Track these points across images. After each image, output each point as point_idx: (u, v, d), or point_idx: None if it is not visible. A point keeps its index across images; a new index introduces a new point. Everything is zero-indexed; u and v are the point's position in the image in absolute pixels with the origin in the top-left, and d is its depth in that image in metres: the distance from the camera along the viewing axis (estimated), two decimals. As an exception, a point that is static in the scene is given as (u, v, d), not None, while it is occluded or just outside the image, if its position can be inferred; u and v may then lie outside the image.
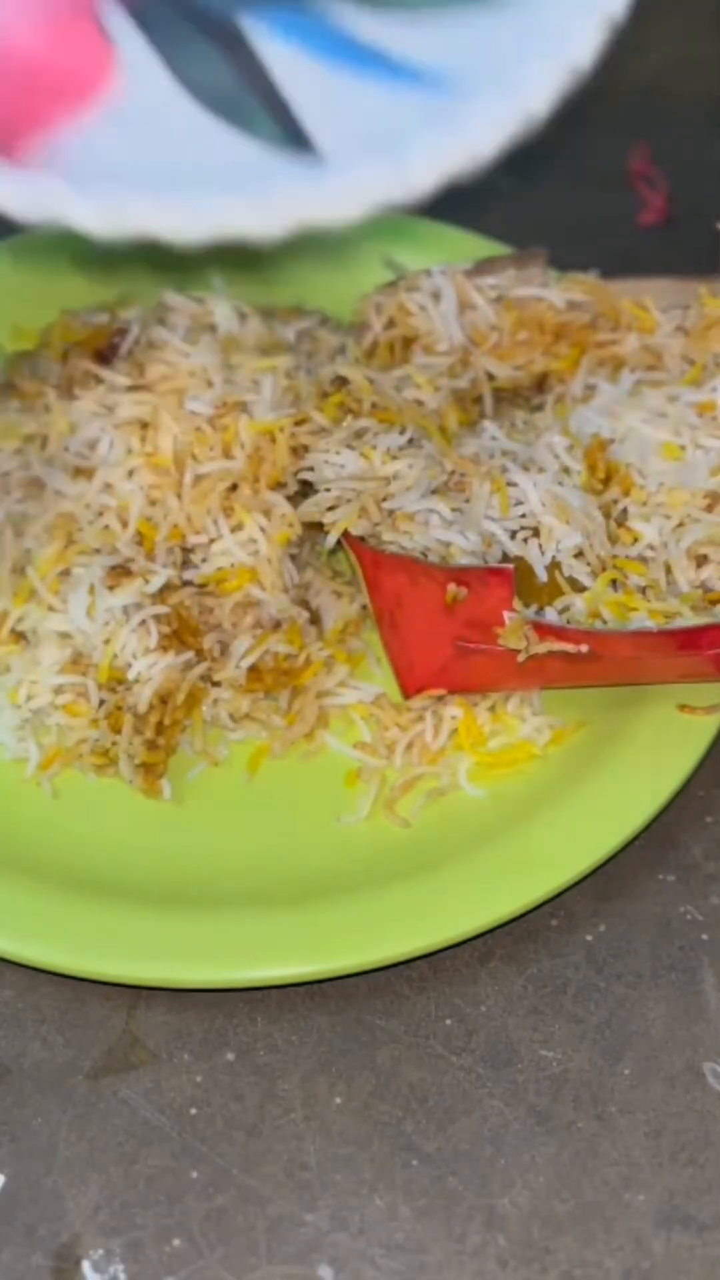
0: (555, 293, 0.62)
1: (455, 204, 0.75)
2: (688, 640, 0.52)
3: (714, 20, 0.88)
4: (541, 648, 0.52)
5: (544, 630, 0.52)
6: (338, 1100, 0.50)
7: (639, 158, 0.79)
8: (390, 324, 0.63)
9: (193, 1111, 0.50)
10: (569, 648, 0.52)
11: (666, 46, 0.86)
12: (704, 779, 0.57)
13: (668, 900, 0.55)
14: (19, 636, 0.57)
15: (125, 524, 0.58)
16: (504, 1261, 0.47)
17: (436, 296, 0.62)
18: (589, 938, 0.54)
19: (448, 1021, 0.52)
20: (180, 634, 0.56)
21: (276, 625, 0.58)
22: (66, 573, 0.57)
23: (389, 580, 0.54)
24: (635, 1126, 0.50)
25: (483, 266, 0.64)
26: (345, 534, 0.55)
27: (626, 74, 0.85)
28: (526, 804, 0.55)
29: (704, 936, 0.54)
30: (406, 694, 0.56)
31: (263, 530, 0.58)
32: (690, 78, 0.85)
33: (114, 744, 0.56)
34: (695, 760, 0.56)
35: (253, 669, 0.57)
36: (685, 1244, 0.48)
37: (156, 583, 0.56)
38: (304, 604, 0.59)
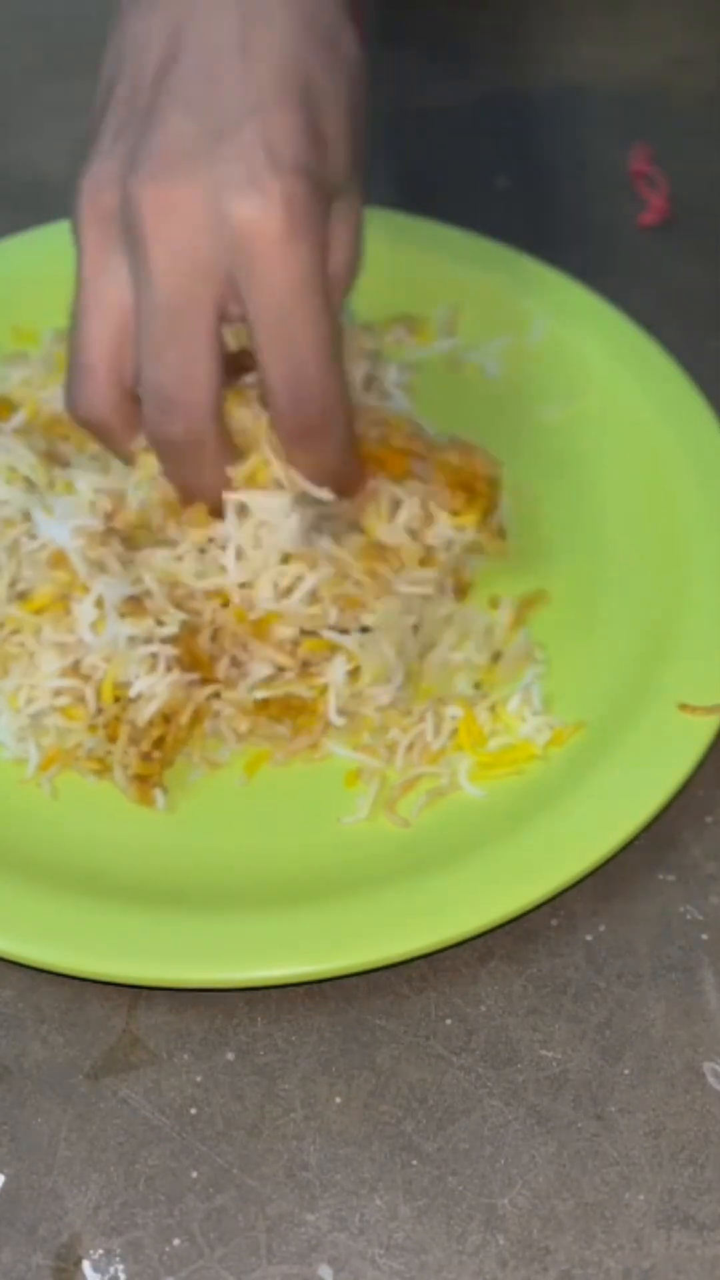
0: None
1: (455, 204, 0.75)
2: None
3: (714, 20, 0.88)
4: None
5: None
6: (338, 1100, 0.50)
7: (639, 158, 0.79)
8: None
9: (193, 1111, 0.50)
10: None
11: (666, 46, 0.86)
12: (704, 779, 0.57)
13: (668, 900, 0.55)
14: (19, 643, 0.57)
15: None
16: (504, 1261, 0.47)
17: None
18: (589, 938, 0.54)
19: (448, 1021, 0.52)
20: (190, 664, 0.56)
21: (295, 645, 0.57)
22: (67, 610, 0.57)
23: None
24: (635, 1126, 0.50)
25: None
26: None
27: (626, 74, 0.85)
28: (526, 804, 0.55)
29: (704, 936, 0.54)
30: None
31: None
32: (690, 78, 0.85)
33: (109, 753, 0.56)
34: (695, 760, 0.56)
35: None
36: (685, 1244, 0.48)
37: (169, 629, 0.56)
38: None
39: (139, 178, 0.51)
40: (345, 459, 0.56)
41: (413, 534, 0.59)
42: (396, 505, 0.59)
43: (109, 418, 0.55)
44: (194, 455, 0.55)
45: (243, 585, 0.57)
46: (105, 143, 0.53)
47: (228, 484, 0.56)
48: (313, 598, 0.57)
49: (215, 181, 0.50)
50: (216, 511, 0.57)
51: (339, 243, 0.54)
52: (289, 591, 0.57)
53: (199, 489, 0.56)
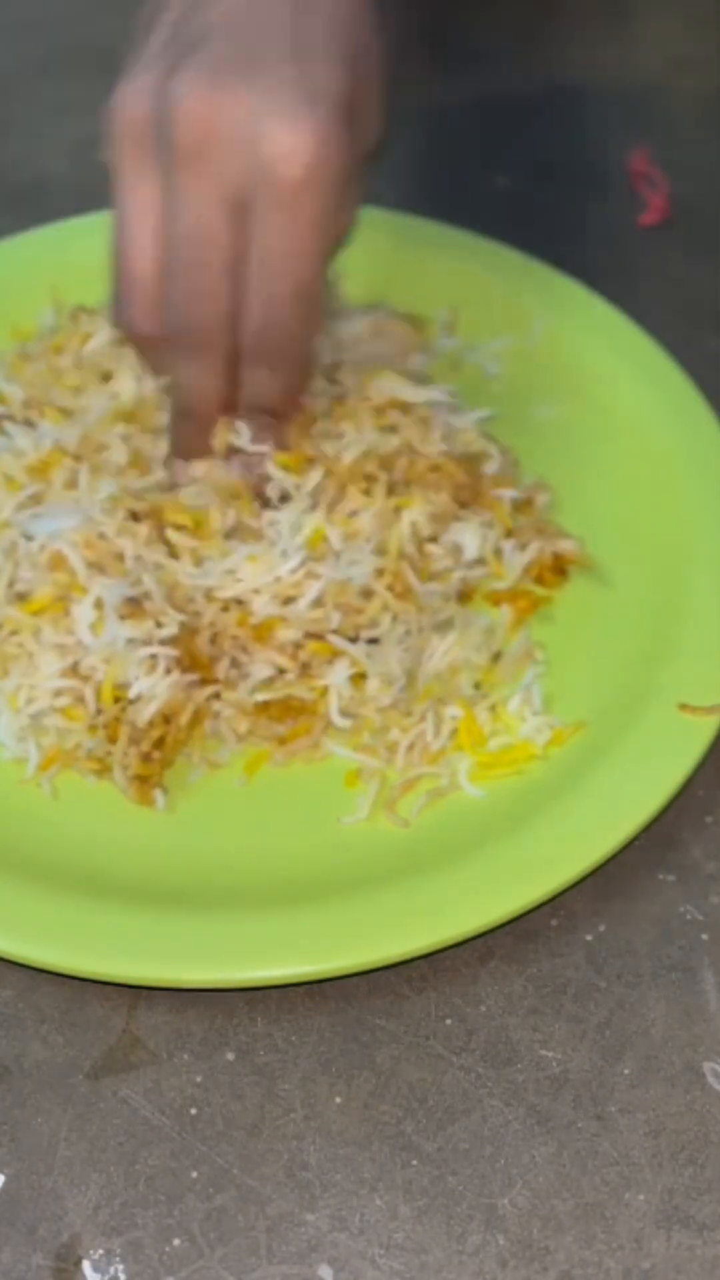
0: None
1: (455, 204, 0.75)
2: None
3: (714, 20, 0.88)
4: None
5: None
6: (338, 1100, 0.50)
7: (639, 158, 0.79)
8: None
9: (193, 1111, 0.50)
10: None
11: (666, 46, 0.86)
12: (704, 779, 0.57)
13: (668, 900, 0.55)
14: (19, 644, 0.57)
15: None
16: (504, 1261, 0.47)
17: None
18: (589, 938, 0.54)
19: (448, 1021, 0.52)
20: (190, 665, 0.56)
21: (297, 648, 0.57)
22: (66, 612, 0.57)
23: None
24: (635, 1126, 0.50)
25: None
26: None
27: (626, 74, 0.85)
28: (526, 804, 0.55)
29: (704, 936, 0.54)
30: None
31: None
32: (690, 78, 0.85)
33: (109, 753, 0.56)
34: (695, 760, 0.55)
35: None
36: (685, 1244, 0.48)
37: (168, 631, 0.56)
38: None
39: (180, 87, 0.51)
40: (290, 390, 0.57)
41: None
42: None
43: (158, 330, 0.55)
44: (201, 357, 0.55)
45: (246, 594, 0.57)
46: (148, 58, 0.52)
47: (224, 408, 0.57)
48: (316, 602, 0.57)
49: (255, 103, 0.50)
50: (205, 447, 0.57)
51: (370, 110, 0.54)
52: (292, 600, 0.57)
53: (199, 401, 0.57)
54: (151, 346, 0.56)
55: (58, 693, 0.56)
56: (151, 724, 0.55)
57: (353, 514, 0.59)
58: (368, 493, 0.59)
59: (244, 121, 0.51)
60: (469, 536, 0.60)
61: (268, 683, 0.57)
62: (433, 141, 0.81)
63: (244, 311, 0.54)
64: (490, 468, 0.62)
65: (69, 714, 0.56)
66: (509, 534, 0.61)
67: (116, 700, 0.56)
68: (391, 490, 0.59)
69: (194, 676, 0.56)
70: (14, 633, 0.57)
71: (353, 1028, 0.52)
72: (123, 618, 0.56)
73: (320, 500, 0.58)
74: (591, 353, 0.68)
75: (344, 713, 0.57)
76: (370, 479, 0.59)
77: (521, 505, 0.62)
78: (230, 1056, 0.51)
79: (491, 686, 0.58)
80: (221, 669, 0.57)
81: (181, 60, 0.52)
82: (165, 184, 0.52)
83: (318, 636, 0.57)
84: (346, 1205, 0.48)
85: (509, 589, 0.61)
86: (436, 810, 0.56)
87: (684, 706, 0.56)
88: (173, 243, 0.53)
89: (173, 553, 0.58)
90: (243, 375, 0.56)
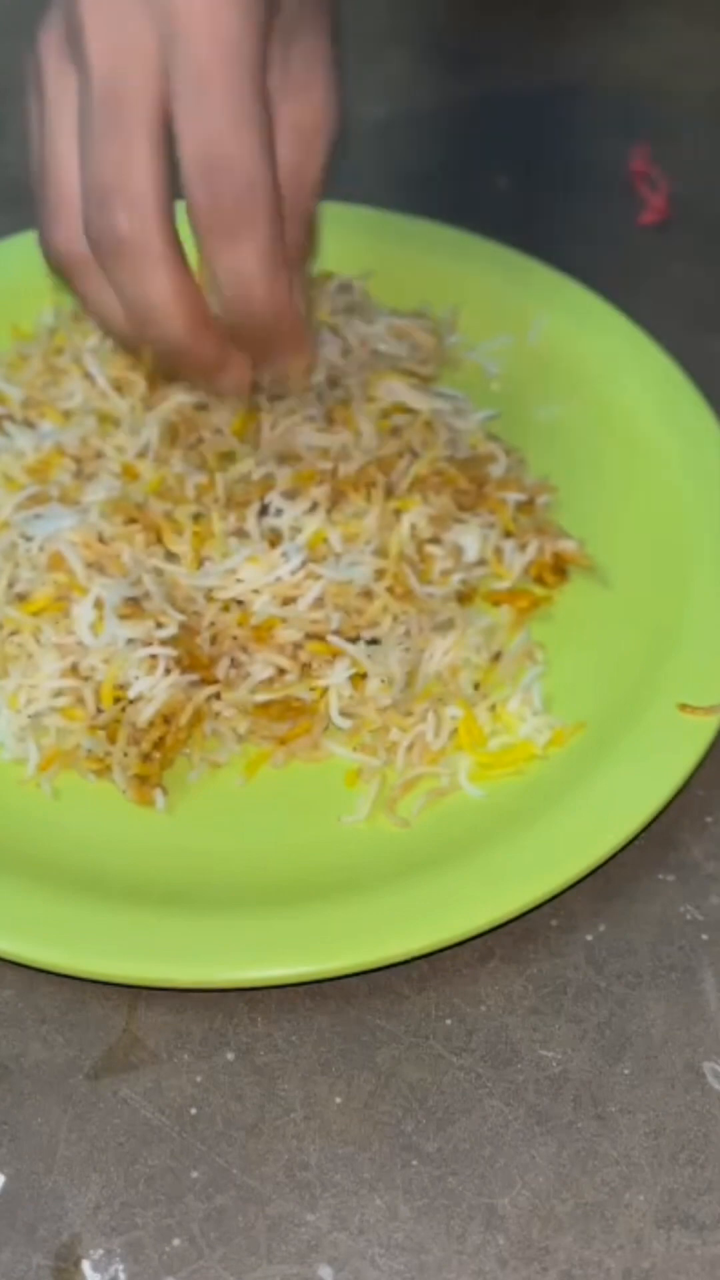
0: None
1: (455, 204, 0.75)
2: None
3: (714, 20, 0.88)
4: None
5: None
6: (338, 1100, 0.50)
7: (639, 158, 0.79)
8: None
9: (193, 1111, 0.50)
10: None
11: (666, 46, 0.86)
12: (704, 779, 0.57)
13: (668, 900, 0.55)
14: (19, 644, 0.57)
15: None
16: (504, 1261, 0.47)
17: None
18: (589, 938, 0.54)
19: (448, 1021, 0.52)
20: (189, 665, 0.56)
21: (297, 649, 0.57)
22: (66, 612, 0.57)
23: None
24: (635, 1126, 0.50)
25: None
26: None
27: (626, 74, 0.85)
28: (526, 804, 0.55)
29: (704, 936, 0.54)
30: None
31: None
32: (690, 78, 0.85)
33: (108, 753, 0.56)
34: (695, 760, 0.56)
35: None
36: (685, 1244, 0.48)
37: (168, 631, 0.56)
38: None
39: None
40: (267, 271, 0.50)
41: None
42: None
43: (84, 253, 0.51)
44: (140, 259, 0.50)
45: (246, 594, 0.57)
46: None
47: (183, 313, 0.51)
48: (317, 603, 0.57)
49: None
50: (173, 372, 0.55)
51: (311, 87, 0.52)
52: (292, 601, 0.57)
53: (148, 310, 0.51)
54: (84, 270, 0.52)
55: (57, 693, 0.56)
56: (151, 724, 0.55)
57: (353, 516, 0.59)
58: (368, 497, 0.59)
59: None
60: (470, 539, 0.60)
61: (268, 683, 0.57)
62: (433, 141, 0.81)
63: (186, 183, 0.49)
64: (496, 470, 0.62)
65: (69, 714, 0.56)
66: (509, 534, 0.61)
67: (116, 700, 0.56)
68: (392, 492, 0.59)
69: (194, 677, 0.56)
70: (14, 633, 0.57)
71: (353, 1028, 0.52)
72: (123, 618, 0.56)
73: (320, 503, 0.58)
74: (591, 353, 0.68)
75: (344, 713, 0.57)
76: (370, 484, 0.59)
77: (522, 505, 0.62)
78: (230, 1056, 0.51)
79: (491, 686, 0.58)
80: (221, 669, 0.57)
81: None
82: (78, 68, 0.50)
83: (318, 637, 0.57)
84: (346, 1205, 0.48)
85: (509, 589, 0.61)
86: (436, 810, 0.56)
87: (684, 706, 0.56)
88: (87, 115, 0.49)
89: (170, 556, 0.58)
90: (212, 266, 0.50)
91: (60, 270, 0.53)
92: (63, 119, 0.51)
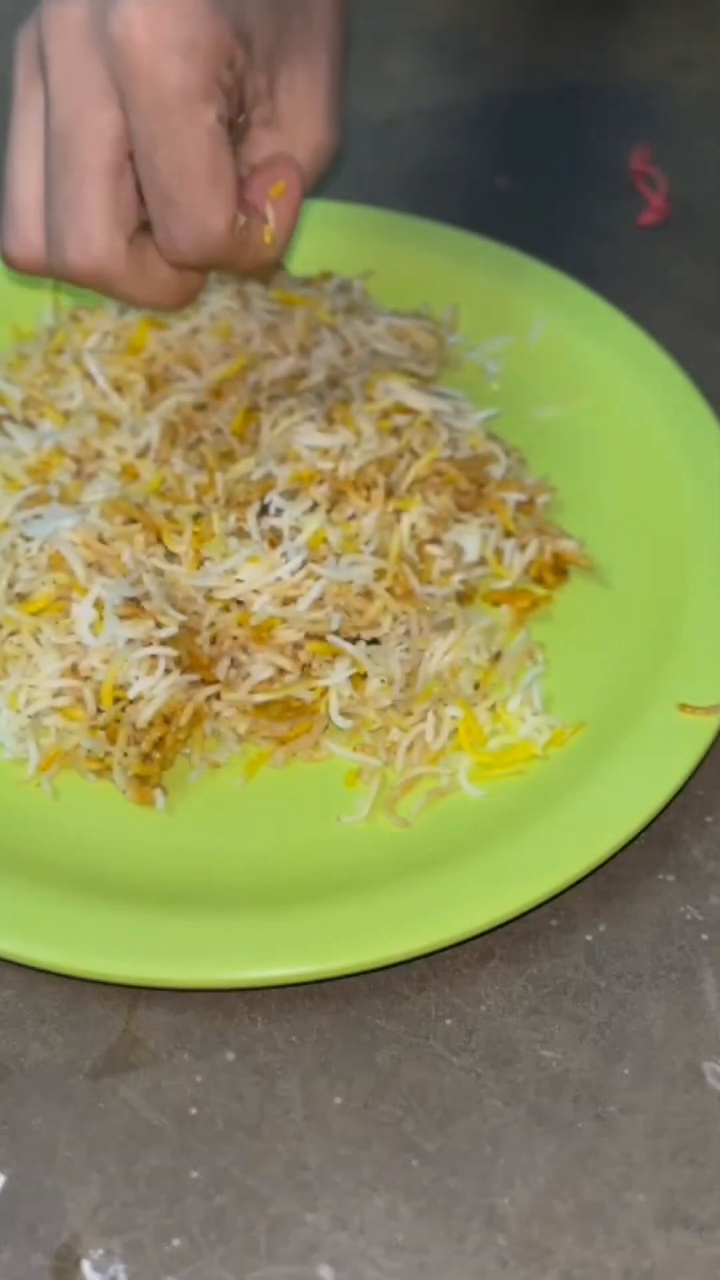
0: None
1: (455, 204, 0.75)
2: None
3: (714, 21, 0.88)
4: None
5: None
6: (338, 1100, 0.50)
7: (639, 158, 0.79)
8: None
9: (193, 1111, 0.50)
10: None
11: (667, 47, 0.86)
12: (704, 779, 0.57)
13: (668, 900, 0.55)
14: (19, 644, 0.57)
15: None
16: (504, 1261, 0.47)
17: None
18: (589, 938, 0.54)
19: (448, 1021, 0.52)
20: (189, 665, 0.56)
21: (297, 649, 0.57)
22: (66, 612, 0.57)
23: None
24: (635, 1126, 0.50)
25: None
26: None
27: (626, 74, 0.85)
28: (526, 804, 0.55)
29: (704, 936, 0.54)
30: None
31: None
32: (690, 78, 0.85)
33: (108, 753, 0.56)
34: (695, 760, 0.56)
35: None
36: (685, 1244, 0.48)
37: (168, 631, 0.56)
38: None
39: (46, 3, 0.51)
40: (202, 225, 0.52)
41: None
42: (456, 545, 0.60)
43: (41, 261, 0.54)
44: (97, 288, 0.53)
45: (247, 594, 0.57)
46: None
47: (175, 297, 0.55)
48: (317, 603, 0.57)
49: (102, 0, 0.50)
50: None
51: (300, 118, 0.54)
52: (292, 601, 0.57)
53: (147, 298, 0.55)
54: (42, 275, 0.55)
55: (57, 693, 0.56)
56: (151, 724, 0.55)
57: (353, 517, 0.59)
58: (368, 497, 0.59)
59: (94, 17, 0.50)
60: (470, 539, 0.60)
61: (268, 683, 0.57)
62: (433, 141, 0.81)
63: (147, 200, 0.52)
64: (496, 470, 0.62)
65: (69, 714, 0.56)
66: (509, 534, 0.61)
67: (116, 700, 0.56)
68: (392, 493, 0.59)
69: (194, 677, 0.56)
70: (14, 633, 0.57)
71: (353, 1028, 0.52)
72: (122, 618, 0.56)
73: (320, 503, 0.58)
74: (591, 353, 0.68)
75: (344, 713, 0.57)
76: (370, 485, 0.59)
77: (522, 505, 0.62)
78: (230, 1056, 0.51)
79: (491, 686, 0.58)
80: (221, 669, 0.57)
81: None
82: (47, 110, 0.51)
83: (318, 637, 0.57)
84: (346, 1205, 0.48)
85: (509, 589, 0.61)
86: (436, 810, 0.56)
87: (684, 706, 0.56)
88: (48, 146, 0.51)
89: (170, 556, 0.58)
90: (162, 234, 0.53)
91: (17, 273, 0.56)
92: (28, 133, 0.53)
